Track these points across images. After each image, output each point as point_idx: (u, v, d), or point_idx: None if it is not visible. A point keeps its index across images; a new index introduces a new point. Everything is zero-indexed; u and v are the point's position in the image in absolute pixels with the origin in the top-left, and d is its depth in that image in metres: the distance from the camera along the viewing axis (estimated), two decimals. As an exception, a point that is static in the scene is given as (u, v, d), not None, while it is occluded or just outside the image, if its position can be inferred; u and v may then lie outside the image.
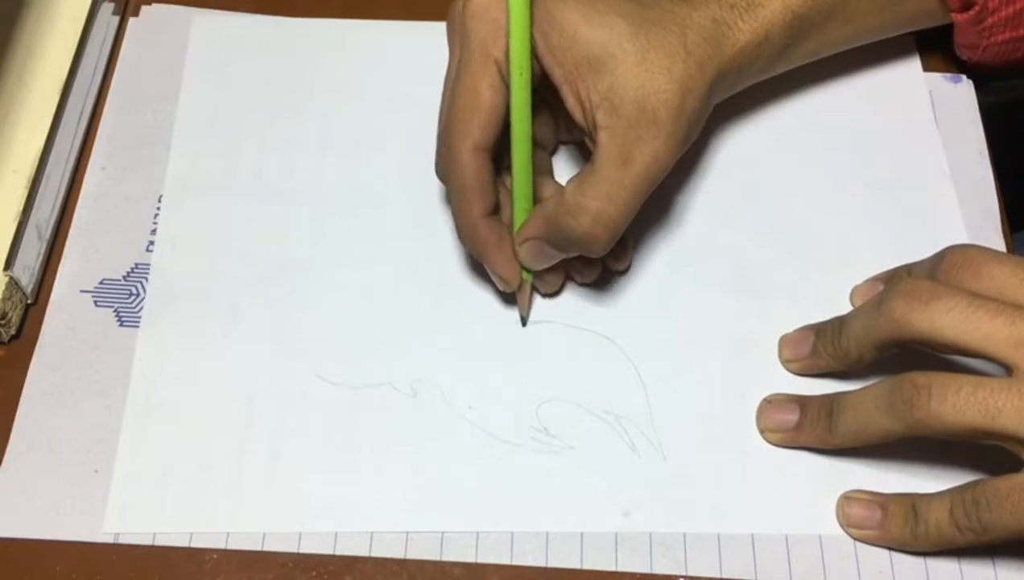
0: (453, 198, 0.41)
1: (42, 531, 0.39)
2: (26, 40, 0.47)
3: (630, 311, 0.44)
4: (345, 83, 0.50)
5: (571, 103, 0.40)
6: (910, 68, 0.51)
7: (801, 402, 0.41)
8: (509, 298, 0.44)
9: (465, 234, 0.41)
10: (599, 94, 0.38)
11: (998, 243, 0.46)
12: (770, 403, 0.42)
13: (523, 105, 0.39)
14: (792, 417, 0.41)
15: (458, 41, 0.40)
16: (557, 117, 0.45)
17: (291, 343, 0.43)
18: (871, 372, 0.41)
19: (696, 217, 0.46)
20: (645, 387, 0.42)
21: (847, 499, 0.40)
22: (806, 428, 0.40)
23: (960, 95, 0.50)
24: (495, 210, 0.41)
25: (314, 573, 0.39)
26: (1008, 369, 0.36)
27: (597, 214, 0.38)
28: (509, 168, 0.41)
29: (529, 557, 0.39)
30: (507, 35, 0.38)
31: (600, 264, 0.44)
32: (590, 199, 0.38)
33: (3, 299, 0.41)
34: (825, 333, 0.41)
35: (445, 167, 0.41)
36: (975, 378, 0.36)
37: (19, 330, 0.43)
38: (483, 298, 0.44)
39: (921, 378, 0.36)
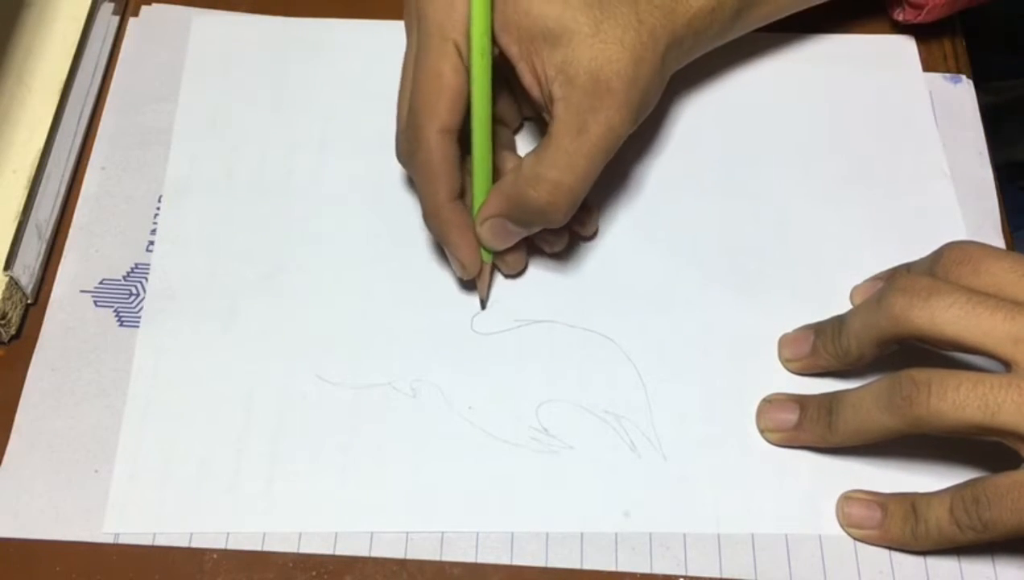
0: (419, 181, 0.41)
1: (42, 531, 0.39)
2: (26, 40, 0.47)
3: (630, 311, 0.44)
4: (345, 83, 0.50)
5: (527, 79, 0.40)
6: (910, 68, 0.51)
7: (800, 401, 0.41)
8: (510, 297, 0.44)
9: (430, 217, 0.42)
10: (554, 67, 0.39)
11: (998, 243, 0.46)
12: (770, 403, 0.42)
13: (484, 87, 0.39)
14: (792, 416, 0.41)
15: (414, 24, 0.41)
16: (519, 95, 0.45)
17: (291, 343, 0.43)
18: (871, 371, 0.41)
19: (696, 218, 0.46)
20: (645, 387, 0.42)
21: (847, 499, 0.40)
22: (806, 427, 0.40)
23: (960, 95, 0.50)
24: (461, 194, 0.42)
25: (314, 573, 0.39)
26: (1007, 365, 0.36)
27: (555, 184, 0.39)
28: (471, 151, 0.41)
29: (529, 557, 0.39)
30: (468, 17, 0.38)
31: (567, 233, 0.44)
32: (548, 168, 0.39)
33: (3, 299, 0.41)
34: (825, 332, 0.41)
35: (410, 150, 0.41)
36: (974, 374, 0.36)
37: (19, 330, 0.43)
38: (483, 298, 0.44)
39: (920, 375, 0.36)
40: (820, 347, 0.41)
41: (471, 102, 0.39)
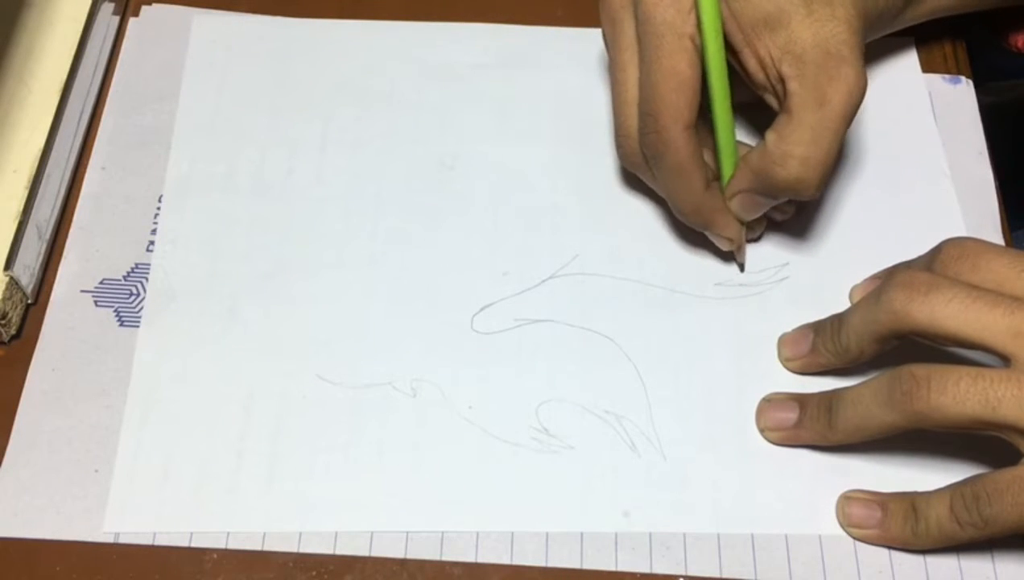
0: (670, 181, 0.42)
1: (42, 531, 0.39)
2: (26, 40, 0.47)
3: (630, 311, 0.44)
4: (345, 83, 0.50)
5: (752, 64, 0.41)
6: (910, 68, 0.51)
7: (800, 400, 0.41)
8: (510, 297, 0.44)
9: (691, 209, 0.43)
10: (779, 49, 0.40)
11: (998, 243, 0.46)
12: (769, 402, 0.42)
13: (720, 66, 0.41)
14: (792, 415, 0.41)
15: (626, 30, 0.42)
16: (732, 82, 0.46)
17: (291, 343, 0.43)
18: (871, 369, 0.41)
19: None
20: (645, 387, 0.42)
21: (847, 499, 0.40)
22: (806, 425, 0.40)
23: (960, 95, 0.50)
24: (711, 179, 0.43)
25: (314, 573, 0.39)
26: (1007, 360, 0.36)
27: (804, 159, 0.40)
28: (708, 131, 0.43)
29: (529, 557, 0.39)
30: (696, 9, 0.40)
31: (795, 203, 0.45)
32: (793, 145, 0.40)
33: (3, 299, 0.41)
34: (824, 330, 0.41)
35: (657, 154, 0.41)
36: (974, 369, 0.36)
37: (19, 330, 0.43)
38: (483, 297, 0.44)
39: (920, 370, 0.36)
40: (820, 345, 0.41)
41: (710, 83, 0.41)
